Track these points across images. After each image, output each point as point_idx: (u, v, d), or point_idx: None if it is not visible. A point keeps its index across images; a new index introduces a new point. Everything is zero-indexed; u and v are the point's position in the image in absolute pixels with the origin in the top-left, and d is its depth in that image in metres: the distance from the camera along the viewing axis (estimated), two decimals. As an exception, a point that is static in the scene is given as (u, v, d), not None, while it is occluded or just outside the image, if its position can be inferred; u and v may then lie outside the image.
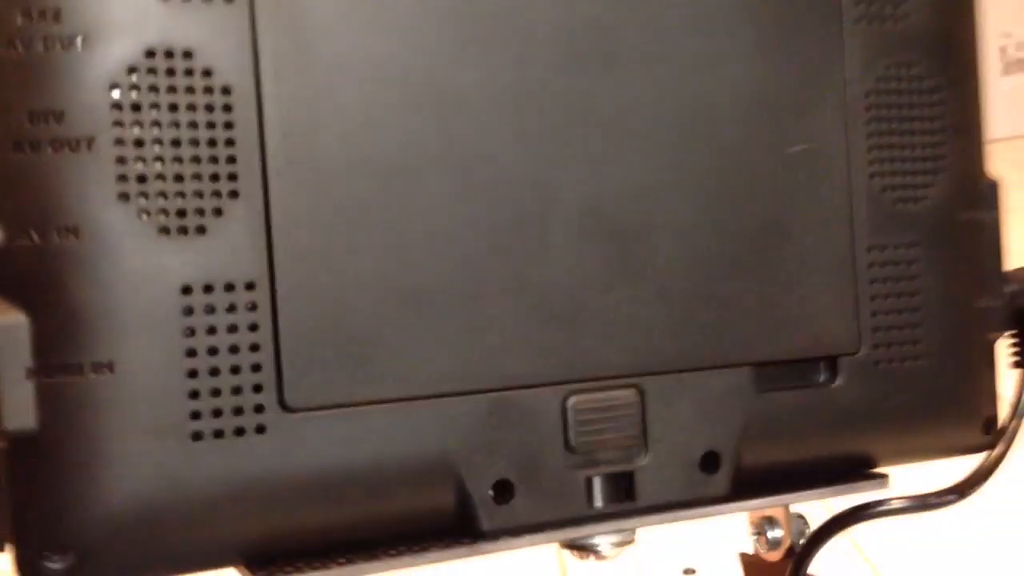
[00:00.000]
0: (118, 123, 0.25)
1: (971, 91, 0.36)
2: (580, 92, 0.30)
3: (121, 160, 0.25)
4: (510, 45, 0.29)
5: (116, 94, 0.25)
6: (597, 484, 0.31)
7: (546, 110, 0.30)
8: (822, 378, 0.34)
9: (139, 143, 0.25)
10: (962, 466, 0.38)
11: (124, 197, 0.25)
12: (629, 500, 0.31)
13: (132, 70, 0.25)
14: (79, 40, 0.25)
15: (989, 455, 0.37)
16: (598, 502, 0.31)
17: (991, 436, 0.37)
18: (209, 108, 0.26)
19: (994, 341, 0.37)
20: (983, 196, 0.36)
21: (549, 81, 0.30)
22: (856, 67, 0.34)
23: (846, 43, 0.33)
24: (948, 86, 0.35)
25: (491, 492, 0.29)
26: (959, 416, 0.37)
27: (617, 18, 0.30)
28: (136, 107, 0.25)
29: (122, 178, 0.25)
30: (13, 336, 0.25)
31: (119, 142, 0.25)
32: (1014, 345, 0.39)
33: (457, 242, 0.29)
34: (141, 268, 0.25)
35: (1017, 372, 0.39)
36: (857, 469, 0.35)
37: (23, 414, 0.25)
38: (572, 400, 0.30)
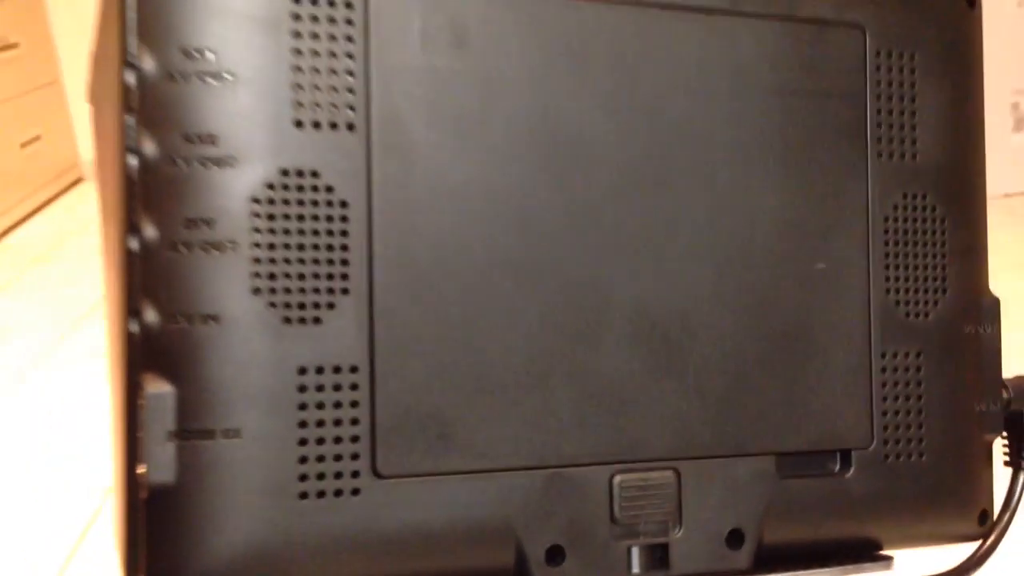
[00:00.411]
0: (256, 230, 0.30)
1: (977, 218, 0.41)
2: (635, 213, 0.35)
3: (257, 260, 0.30)
4: (578, 171, 0.34)
5: (256, 206, 0.31)
6: (636, 553, 0.35)
7: (606, 227, 0.35)
8: (837, 468, 0.39)
9: (271, 247, 0.31)
10: (957, 552, 0.42)
11: (257, 291, 0.30)
12: (663, 568, 0.36)
13: (270, 186, 0.31)
14: (230, 160, 0.30)
15: (983, 544, 0.42)
16: (636, 569, 0.35)
17: (985, 527, 0.42)
18: (329, 219, 0.31)
19: (991, 441, 0.42)
20: (985, 312, 0.41)
21: (610, 203, 0.35)
22: (876, 196, 0.39)
23: (869, 176, 0.39)
24: (956, 214, 0.40)
25: (544, 555, 0.34)
26: (957, 508, 0.41)
27: (668, 151, 0.36)
28: (271, 217, 0.31)
29: (256, 275, 0.30)
30: (160, 404, 0.29)
31: (256, 245, 0.30)
32: (1007, 445, 0.44)
33: (526, 338, 0.34)
34: (267, 351, 0.30)
35: (1010, 470, 0.44)
36: (865, 550, 0.40)
37: (164, 470, 0.29)
38: (618, 478, 0.35)
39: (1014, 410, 0.43)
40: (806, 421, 0.38)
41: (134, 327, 0.30)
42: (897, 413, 0.39)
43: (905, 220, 0.39)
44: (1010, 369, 0.43)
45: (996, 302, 0.42)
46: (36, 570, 0.98)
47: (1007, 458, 0.44)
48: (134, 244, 0.30)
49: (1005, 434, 0.43)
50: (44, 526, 1.08)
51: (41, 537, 1.05)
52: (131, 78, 0.30)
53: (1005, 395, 0.42)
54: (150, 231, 0.30)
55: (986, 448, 0.42)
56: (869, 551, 0.40)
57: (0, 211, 2.34)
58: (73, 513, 1.07)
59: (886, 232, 0.39)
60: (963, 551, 0.42)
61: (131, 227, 0.30)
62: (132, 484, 0.30)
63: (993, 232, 0.41)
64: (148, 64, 0.30)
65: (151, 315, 0.30)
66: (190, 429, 0.30)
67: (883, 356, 0.39)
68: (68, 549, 1.01)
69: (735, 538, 0.37)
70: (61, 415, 1.36)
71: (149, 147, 0.30)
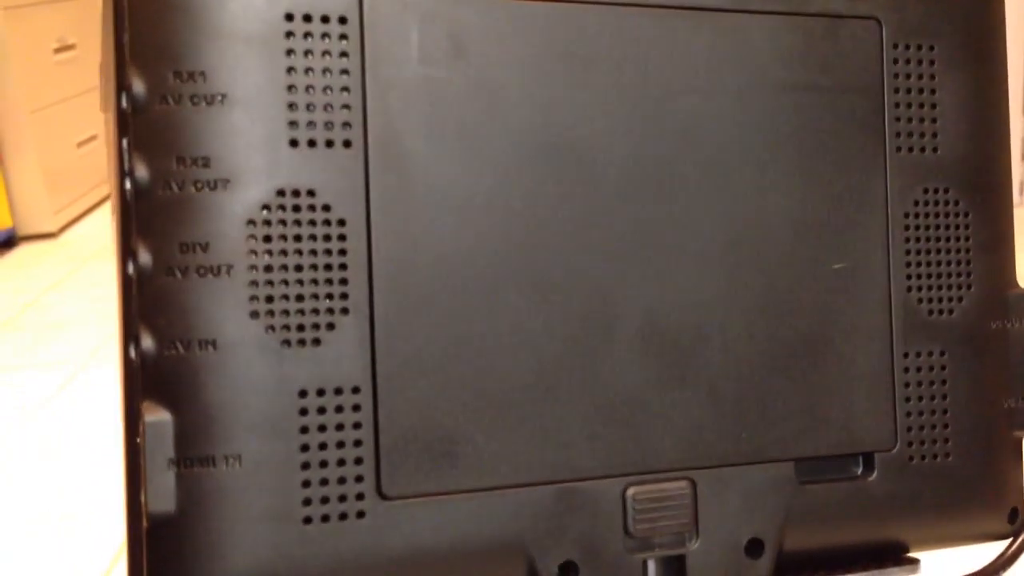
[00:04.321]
0: (252, 252, 0.29)
1: (1002, 210, 0.39)
2: (644, 218, 0.33)
3: (253, 283, 0.29)
4: (584, 178, 0.32)
5: (252, 228, 0.29)
6: (652, 566, 0.33)
7: (613, 234, 0.33)
8: (859, 472, 0.36)
9: (268, 269, 0.29)
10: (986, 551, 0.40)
11: (255, 315, 0.29)
12: None
13: (266, 207, 0.29)
14: (224, 183, 0.29)
15: (1014, 542, 0.40)
16: None
17: (1016, 525, 0.39)
18: (327, 238, 0.29)
19: (1020, 438, 0.40)
20: (1012, 306, 0.39)
21: (617, 209, 0.33)
22: (896, 191, 0.36)
23: (888, 171, 0.36)
24: (980, 208, 0.38)
25: (557, 572, 0.32)
26: (986, 507, 0.39)
27: (677, 154, 0.33)
28: (267, 238, 0.29)
29: (253, 299, 0.29)
30: (159, 432, 0.28)
31: (252, 268, 0.29)
32: (1040, 441, 0.41)
33: (533, 350, 0.32)
34: (266, 375, 0.29)
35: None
36: (891, 554, 0.38)
37: (164, 499, 0.28)
38: (631, 491, 0.33)
39: None
40: (826, 425, 0.35)
41: (132, 354, 0.28)
42: (921, 414, 0.37)
43: (927, 215, 0.37)
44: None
45: (1023, 296, 0.39)
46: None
47: (1040, 453, 0.41)
48: (130, 270, 0.28)
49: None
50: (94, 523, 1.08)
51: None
52: (124, 102, 0.28)
53: None
54: (145, 256, 0.28)
55: (1016, 445, 0.39)
56: (895, 554, 0.38)
57: (56, 209, 2.36)
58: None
59: (907, 228, 0.37)
60: (992, 550, 0.40)
61: (127, 252, 0.28)
62: (135, 514, 0.28)
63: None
64: (140, 87, 0.28)
65: (148, 342, 0.28)
66: (190, 456, 0.28)
67: (905, 356, 0.37)
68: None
69: (754, 547, 0.35)
70: (115, 408, 1.36)
71: (142, 171, 0.28)
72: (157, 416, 0.28)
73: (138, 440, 0.28)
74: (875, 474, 0.36)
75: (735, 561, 0.34)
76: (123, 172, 0.28)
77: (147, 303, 0.28)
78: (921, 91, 0.37)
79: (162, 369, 0.28)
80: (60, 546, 1.06)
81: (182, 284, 0.28)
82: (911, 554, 0.38)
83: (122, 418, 0.29)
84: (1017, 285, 0.39)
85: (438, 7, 0.31)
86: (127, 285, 0.28)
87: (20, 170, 2.30)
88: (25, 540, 1.07)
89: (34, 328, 1.75)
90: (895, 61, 0.36)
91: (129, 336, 0.28)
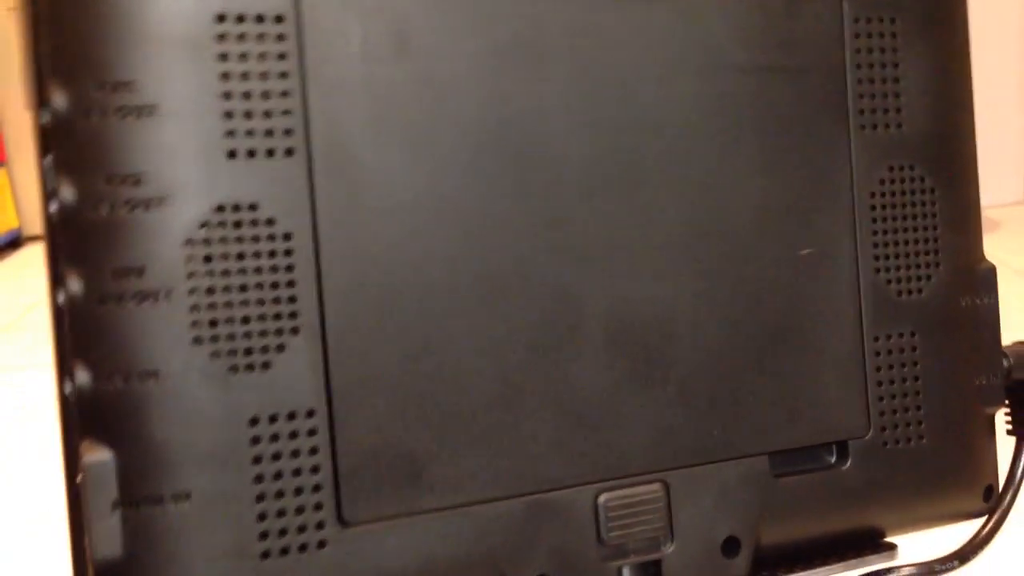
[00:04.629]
0: (192, 274, 0.26)
1: (968, 186, 0.37)
2: (605, 213, 0.31)
3: (195, 308, 0.26)
4: (541, 174, 0.30)
5: (190, 248, 0.26)
6: (627, 573, 0.32)
7: (573, 232, 0.31)
8: (833, 461, 0.35)
9: (210, 291, 0.27)
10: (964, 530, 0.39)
11: (198, 341, 0.27)
12: None
13: (204, 225, 0.27)
14: (159, 200, 0.26)
15: (989, 520, 0.38)
16: None
17: (991, 502, 0.38)
18: (272, 254, 0.27)
19: (992, 414, 0.38)
20: (980, 282, 0.37)
21: (577, 204, 0.31)
22: (861, 171, 0.35)
23: (852, 150, 0.34)
24: (946, 184, 0.36)
25: None
26: (961, 486, 0.37)
27: (636, 144, 0.31)
28: (208, 258, 0.27)
29: (195, 324, 0.26)
30: (100, 473, 0.26)
31: (193, 292, 0.26)
32: (1010, 415, 0.40)
33: (495, 359, 0.30)
34: (214, 404, 0.27)
35: (1013, 440, 0.40)
36: (867, 541, 0.36)
37: (110, 543, 0.26)
38: (603, 497, 0.31)
39: (1015, 379, 0.39)
40: (798, 415, 0.34)
41: (68, 389, 0.26)
42: (894, 397, 0.35)
43: (892, 194, 0.35)
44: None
45: (992, 270, 0.38)
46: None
47: (1009, 427, 0.40)
48: (60, 299, 0.26)
49: (1007, 403, 0.39)
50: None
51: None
52: (45, 117, 0.26)
53: (1005, 364, 0.38)
54: (76, 284, 0.26)
55: (988, 422, 0.38)
56: (871, 541, 0.36)
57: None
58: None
59: (873, 208, 0.35)
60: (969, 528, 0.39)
61: (56, 280, 0.26)
62: (79, 560, 0.26)
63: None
64: (62, 101, 0.26)
65: (84, 376, 0.26)
66: (136, 497, 0.26)
67: (876, 340, 0.35)
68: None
69: (731, 546, 0.33)
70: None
71: (68, 192, 0.26)
72: (97, 456, 0.26)
73: (78, 482, 0.26)
74: (849, 462, 0.35)
75: (712, 562, 0.33)
76: (47, 193, 0.26)
77: (81, 335, 0.26)
78: (884, 66, 0.35)
79: (101, 405, 0.26)
80: (60, 546, 1.04)
81: (118, 312, 0.26)
82: (888, 539, 0.37)
83: (62, 457, 0.27)
84: (984, 259, 0.38)
85: (380, 0, 0.29)
86: (57, 315, 0.26)
87: (26, 171, 2.26)
88: (25, 540, 1.05)
89: (36, 328, 1.73)
90: (856, 36, 0.34)
91: (62, 370, 0.26)
